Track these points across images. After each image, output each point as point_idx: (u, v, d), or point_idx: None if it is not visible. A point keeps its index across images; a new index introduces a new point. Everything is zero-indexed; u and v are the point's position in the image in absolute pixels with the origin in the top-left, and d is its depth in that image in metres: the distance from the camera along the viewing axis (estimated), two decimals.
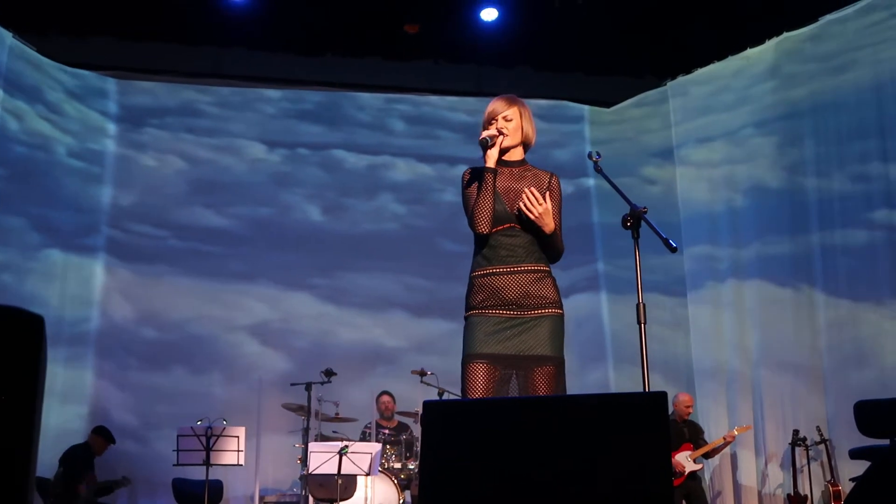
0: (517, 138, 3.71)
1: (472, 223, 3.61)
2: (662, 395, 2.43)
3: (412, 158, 10.35)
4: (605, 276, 10.17)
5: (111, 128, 9.88)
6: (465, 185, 3.72)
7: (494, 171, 3.60)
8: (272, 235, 9.96)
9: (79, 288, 9.35)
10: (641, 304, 3.55)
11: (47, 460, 7.74)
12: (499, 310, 3.56)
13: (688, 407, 8.34)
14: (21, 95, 9.22)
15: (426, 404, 2.54)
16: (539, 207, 3.51)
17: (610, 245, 10.06)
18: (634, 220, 3.59)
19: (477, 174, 3.66)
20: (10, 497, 1.31)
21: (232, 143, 10.15)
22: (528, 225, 3.59)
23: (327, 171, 10.29)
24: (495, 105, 3.72)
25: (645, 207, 3.59)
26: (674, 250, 3.43)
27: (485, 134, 3.62)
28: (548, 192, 3.63)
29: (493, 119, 3.69)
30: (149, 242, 9.72)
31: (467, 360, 3.54)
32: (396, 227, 10.20)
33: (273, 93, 10.37)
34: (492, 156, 3.60)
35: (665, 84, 10.09)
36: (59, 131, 9.55)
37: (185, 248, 9.78)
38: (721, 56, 9.55)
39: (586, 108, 10.64)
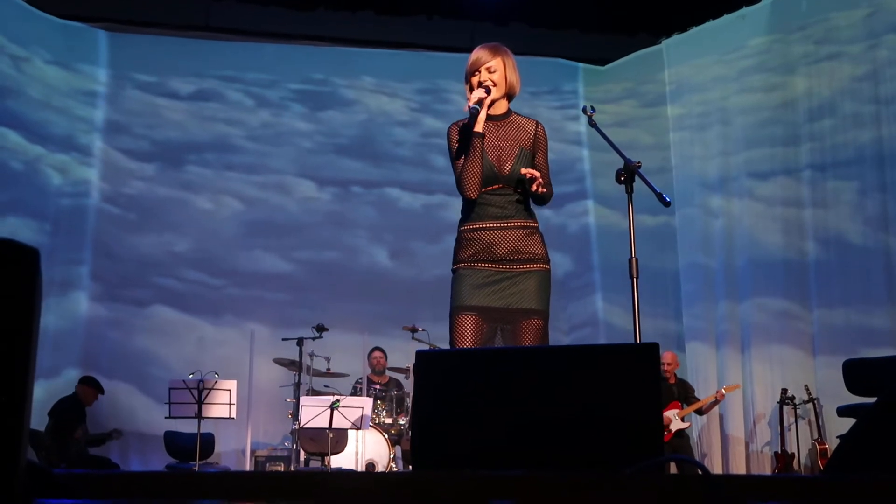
0: (502, 90, 3.63)
1: (460, 188, 3.58)
2: (654, 346, 2.42)
3: None
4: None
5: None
6: (453, 144, 3.67)
7: (482, 136, 3.54)
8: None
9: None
10: (634, 259, 3.57)
11: (36, 413, 7.75)
12: (488, 264, 3.56)
13: (666, 363, 8.29)
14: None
15: (419, 354, 2.54)
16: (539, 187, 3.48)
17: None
18: (628, 174, 3.59)
19: (464, 133, 3.60)
20: (3, 449, 1.28)
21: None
22: (517, 184, 3.57)
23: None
24: (478, 54, 3.63)
25: (639, 162, 3.59)
26: (667, 204, 3.43)
27: (472, 101, 3.53)
28: (533, 142, 3.64)
29: (476, 70, 3.62)
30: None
31: (455, 311, 3.54)
32: None
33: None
34: (480, 120, 3.53)
35: (660, 42, 10.02)
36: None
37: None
38: (717, 14, 9.48)
39: (580, 65, 10.57)
